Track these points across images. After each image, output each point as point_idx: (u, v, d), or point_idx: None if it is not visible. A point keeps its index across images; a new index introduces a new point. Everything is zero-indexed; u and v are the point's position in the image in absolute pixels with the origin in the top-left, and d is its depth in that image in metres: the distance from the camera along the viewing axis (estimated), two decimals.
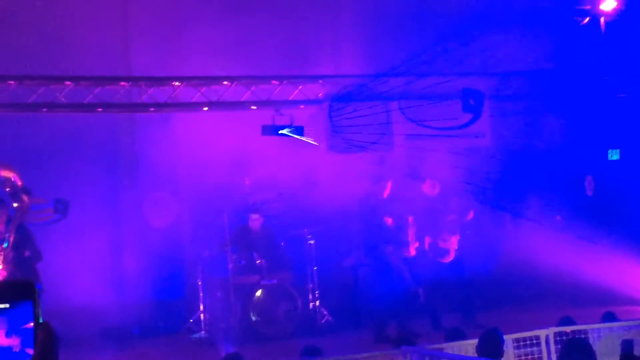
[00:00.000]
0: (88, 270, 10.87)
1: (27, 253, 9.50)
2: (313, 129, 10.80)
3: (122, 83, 10.50)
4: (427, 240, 10.70)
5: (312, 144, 10.74)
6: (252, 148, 10.88)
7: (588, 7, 11.49)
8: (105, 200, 11.65)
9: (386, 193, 10.55)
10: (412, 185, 11.06)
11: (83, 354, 9.33)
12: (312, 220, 11.34)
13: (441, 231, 10.72)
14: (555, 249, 11.30)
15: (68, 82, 10.16)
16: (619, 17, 11.39)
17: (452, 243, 10.73)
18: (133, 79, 10.64)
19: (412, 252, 10.68)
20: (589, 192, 12.18)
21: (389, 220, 10.57)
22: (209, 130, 10.91)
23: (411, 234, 10.67)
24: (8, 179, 9.60)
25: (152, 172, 11.38)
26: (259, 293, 10.61)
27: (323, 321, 11.10)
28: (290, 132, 10.59)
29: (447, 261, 10.72)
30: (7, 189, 9.62)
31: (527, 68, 11.37)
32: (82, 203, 11.09)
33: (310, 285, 11.26)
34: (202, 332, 10.91)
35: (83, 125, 11.09)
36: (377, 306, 10.34)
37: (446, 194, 10.88)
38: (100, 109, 10.40)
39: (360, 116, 10.98)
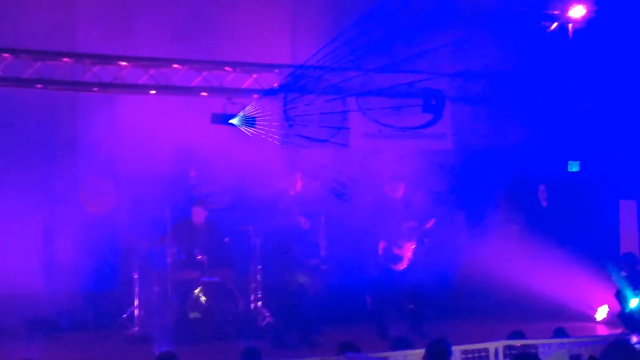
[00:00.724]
0: (16, 256, 10.58)
1: None
2: (265, 120, 10.47)
3: (65, 59, 10.06)
4: (381, 244, 10.39)
5: (263, 136, 10.37)
6: (200, 137, 10.59)
7: (557, 12, 11.31)
8: (39, 183, 11.25)
9: (297, 187, 10.10)
10: (372, 186, 10.72)
11: (6, 345, 9.13)
12: (259, 216, 10.97)
13: (397, 237, 10.37)
14: (509, 261, 11.23)
15: (6, 54, 9.77)
16: (587, 25, 11.24)
17: (407, 250, 10.42)
18: (77, 56, 10.19)
19: (323, 252, 10.45)
20: (543, 203, 12.05)
21: (302, 220, 10.04)
22: (155, 116, 10.65)
23: (322, 234, 10.34)
24: None
25: (91, 155, 11.08)
26: (198, 290, 10.32)
27: (264, 323, 10.79)
28: (241, 122, 10.23)
29: (399, 269, 10.42)
30: None
31: (492, 70, 11.18)
32: (14, 185, 10.77)
33: (253, 285, 10.99)
34: (136, 328, 10.55)
35: (20, 102, 10.70)
36: (319, 310, 10.03)
37: (409, 199, 10.52)
38: (39, 85, 9.98)
39: (315, 111, 10.69)
